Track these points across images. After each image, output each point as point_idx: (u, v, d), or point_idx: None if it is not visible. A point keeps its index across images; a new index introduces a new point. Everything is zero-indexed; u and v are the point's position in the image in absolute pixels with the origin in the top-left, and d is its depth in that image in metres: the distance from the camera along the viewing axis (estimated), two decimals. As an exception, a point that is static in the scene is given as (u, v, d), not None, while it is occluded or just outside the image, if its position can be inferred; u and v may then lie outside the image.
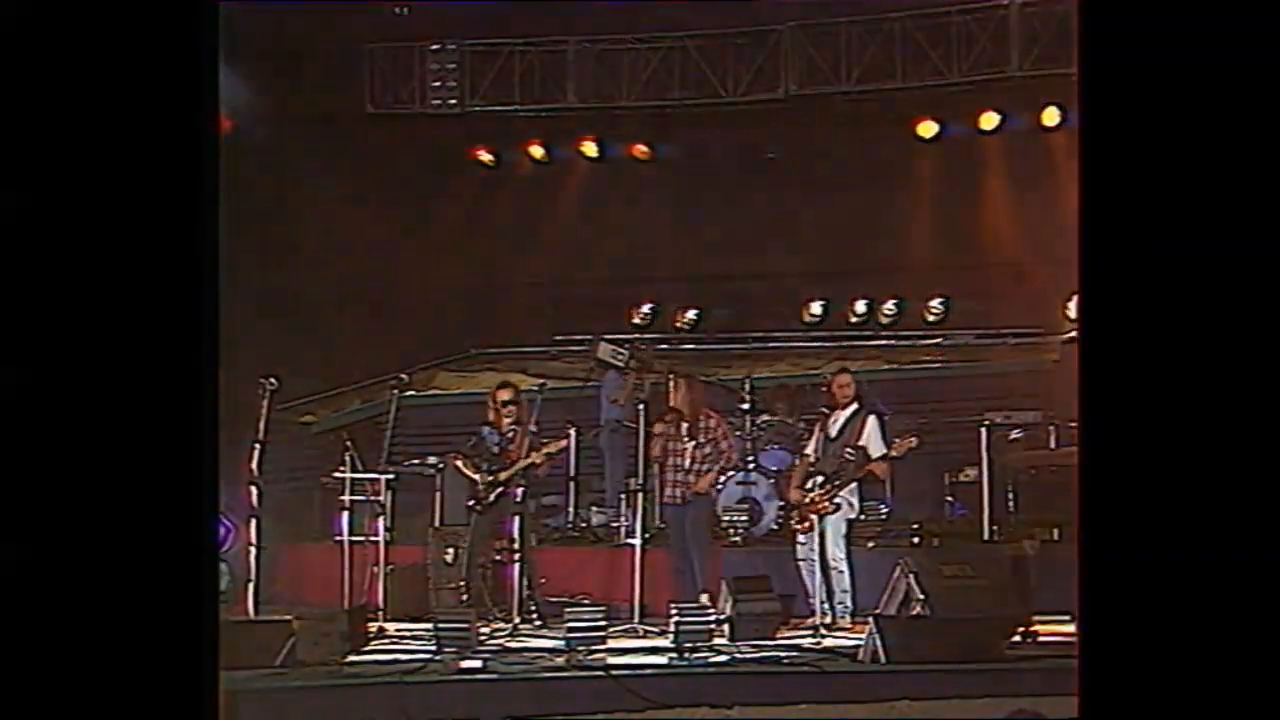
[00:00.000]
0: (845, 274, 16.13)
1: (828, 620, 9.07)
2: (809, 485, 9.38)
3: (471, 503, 9.88)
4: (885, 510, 11.18)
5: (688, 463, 9.83)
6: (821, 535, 9.21)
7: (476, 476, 9.88)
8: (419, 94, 15.34)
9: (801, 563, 9.44)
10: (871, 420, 9.49)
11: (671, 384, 10.24)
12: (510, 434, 9.94)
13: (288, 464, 11.78)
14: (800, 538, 9.43)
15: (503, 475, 9.76)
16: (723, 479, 10.49)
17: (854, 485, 9.37)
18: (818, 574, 9.21)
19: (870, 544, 10.33)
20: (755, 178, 15.76)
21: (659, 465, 9.96)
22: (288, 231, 13.20)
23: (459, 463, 10.27)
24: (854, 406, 9.60)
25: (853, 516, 9.43)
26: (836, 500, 9.27)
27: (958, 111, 14.72)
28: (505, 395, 10.11)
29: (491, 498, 9.79)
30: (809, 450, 9.78)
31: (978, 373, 14.64)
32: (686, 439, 9.85)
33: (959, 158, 15.17)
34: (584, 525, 11.92)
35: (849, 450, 9.31)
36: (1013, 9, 13.84)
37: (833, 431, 9.58)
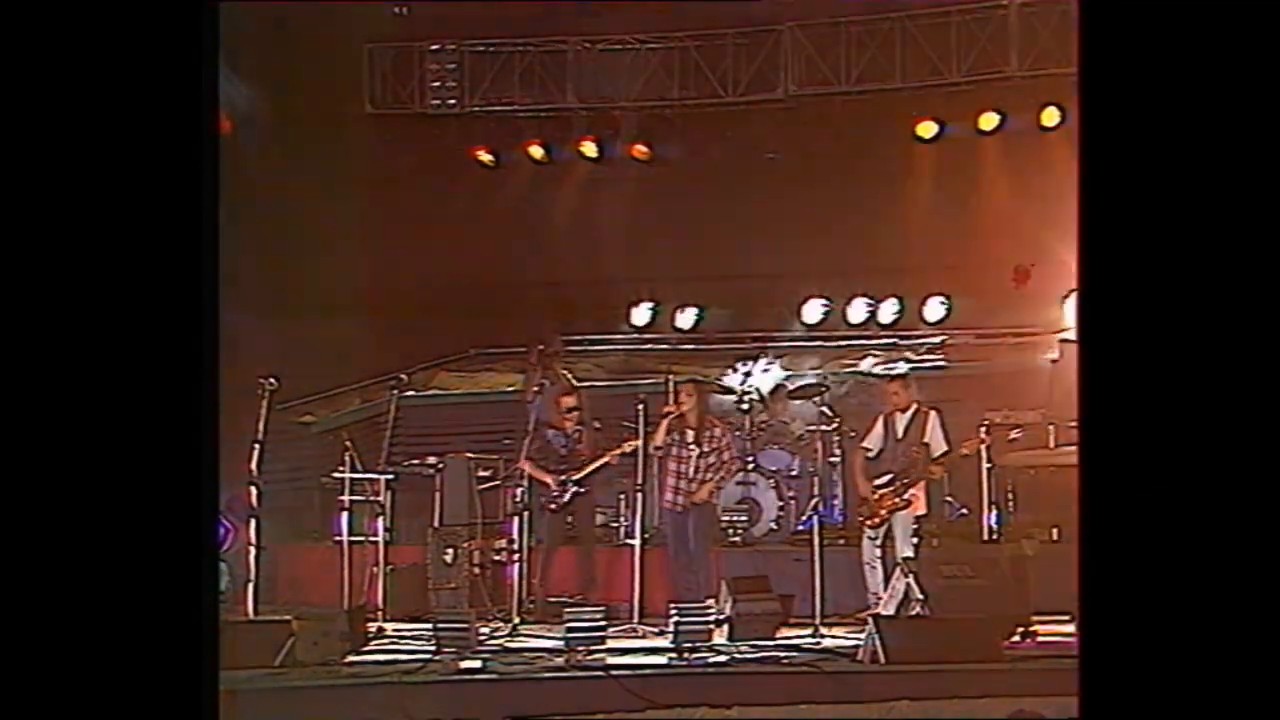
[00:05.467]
0: (845, 274, 16.07)
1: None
2: (876, 482, 9.59)
3: (544, 501, 10.22)
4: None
5: (692, 470, 9.83)
6: (890, 533, 9.46)
7: (550, 479, 10.19)
8: (419, 94, 15.35)
9: (867, 565, 9.57)
10: (933, 417, 9.68)
11: (676, 389, 10.32)
12: (576, 434, 10.30)
13: (288, 464, 11.79)
14: (870, 533, 9.56)
15: (577, 475, 10.13)
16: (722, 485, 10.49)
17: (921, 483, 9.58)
18: (880, 573, 9.38)
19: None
20: (755, 178, 15.72)
21: (661, 469, 9.98)
22: (288, 231, 13.19)
23: (527, 466, 10.38)
24: (914, 406, 9.74)
25: (921, 513, 9.60)
26: (907, 496, 9.47)
27: (957, 111, 14.68)
28: (570, 402, 10.51)
29: (566, 497, 10.17)
30: (867, 443, 9.84)
31: (978, 373, 14.61)
32: (692, 446, 9.84)
33: (958, 158, 15.12)
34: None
35: (915, 449, 9.53)
36: (1012, 9, 13.84)
37: (899, 431, 9.73)
